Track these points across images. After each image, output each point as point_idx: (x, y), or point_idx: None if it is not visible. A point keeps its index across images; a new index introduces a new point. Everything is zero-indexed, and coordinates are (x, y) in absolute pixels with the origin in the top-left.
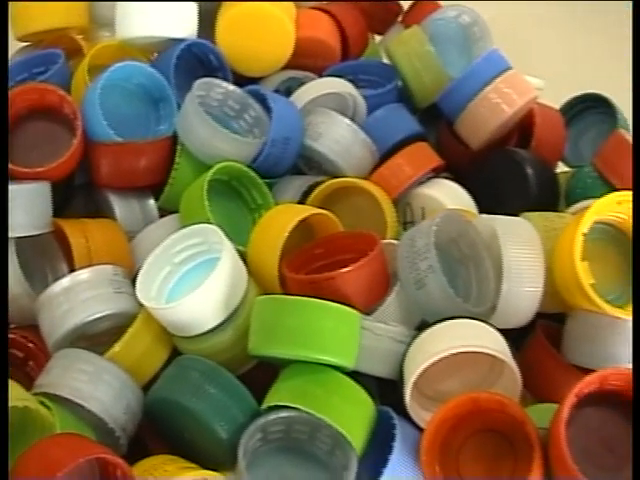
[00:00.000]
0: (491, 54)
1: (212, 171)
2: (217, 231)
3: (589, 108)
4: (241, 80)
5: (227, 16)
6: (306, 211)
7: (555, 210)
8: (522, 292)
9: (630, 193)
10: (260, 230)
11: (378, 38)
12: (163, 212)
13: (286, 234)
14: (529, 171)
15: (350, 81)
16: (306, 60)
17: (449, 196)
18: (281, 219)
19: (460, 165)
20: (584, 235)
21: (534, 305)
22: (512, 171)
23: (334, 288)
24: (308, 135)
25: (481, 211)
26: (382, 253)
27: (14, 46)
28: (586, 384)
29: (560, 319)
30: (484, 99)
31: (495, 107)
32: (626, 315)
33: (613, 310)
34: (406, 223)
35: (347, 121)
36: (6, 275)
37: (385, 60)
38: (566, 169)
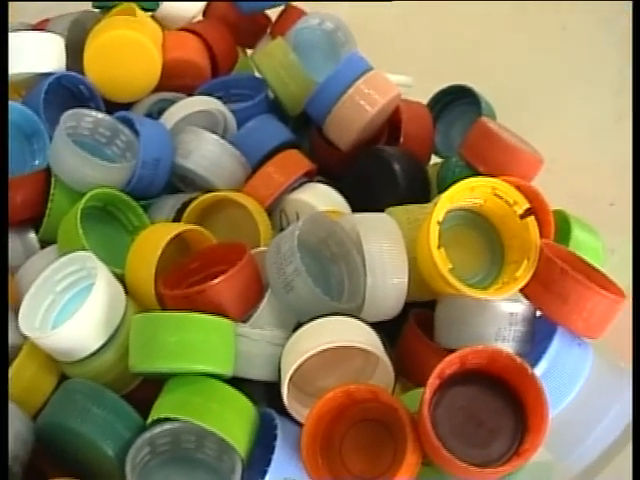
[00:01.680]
0: (351, 57)
1: (84, 199)
2: (92, 257)
3: (456, 99)
4: (114, 107)
5: (93, 46)
6: (177, 228)
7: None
8: (387, 284)
9: (480, 178)
10: (135, 250)
11: (250, 52)
12: (44, 244)
13: (159, 252)
14: (396, 167)
15: (222, 97)
16: (176, 81)
17: (321, 199)
18: (154, 238)
19: (333, 167)
20: (439, 223)
21: (401, 296)
22: (380, 168)
23: (207, 300)
24: (179, 154)
25: (354, 210)
26: (251, 262)
27: None
28: (447, 364)
29: (433, 306)
30: (347, 101)
31: (358, 108)
32: (488, 295)
33: (473, 292)
34: (283, 230)
35: (214, 136)
36: (6, 275)
37: (257, 74)
38: (439, 161)
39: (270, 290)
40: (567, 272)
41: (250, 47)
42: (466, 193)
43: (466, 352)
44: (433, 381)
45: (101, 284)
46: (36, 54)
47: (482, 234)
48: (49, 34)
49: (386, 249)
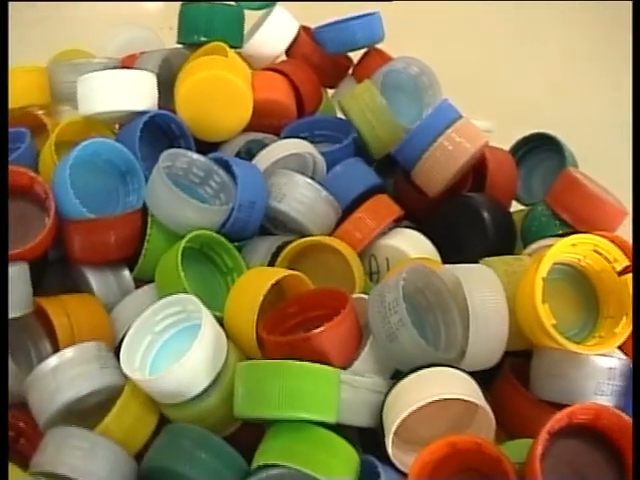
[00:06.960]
0: (442, 105)
1: (185, 241)
2: (195, 301)
3: (537, 147)
4: (202, 145)
5: (186, 86)
6: (278, 274)
7: (512, 250)
8: (489, 335)
9: (583, 235)
10: (235, 296)
11: (330, 91)
12: (138, 282)
13: (261, 298)
14: (485, 215)
15: (306, 137)
16: (264, 120)
17: (412, 245)
18: (254, 284)
19: (418, 212)
20: (543, 279)
21: (501, 347)
22: (470, 217)
23: (310, 348)
24: (272, 197)
25: (442, 256)
26: (353, 310)
27: None
28: (556, 421)
29: (526, 354)
30: (438, 150)
31: (449, 156)
32: (591, 350)
33: (576, 347)
34: (372, 274)
35: (308, 180)
36: (6, 281)
37: (339, 113)
38: (520, 207)
39: (372, 338)
40: None
41: (331, 87)
42: (568, 249)
43: (574, 409)
44: (543, 436)
45: (207, 329)
46: (133, 92)
47: (578, 288)
48: (144, 72)
49: (489, 300)
